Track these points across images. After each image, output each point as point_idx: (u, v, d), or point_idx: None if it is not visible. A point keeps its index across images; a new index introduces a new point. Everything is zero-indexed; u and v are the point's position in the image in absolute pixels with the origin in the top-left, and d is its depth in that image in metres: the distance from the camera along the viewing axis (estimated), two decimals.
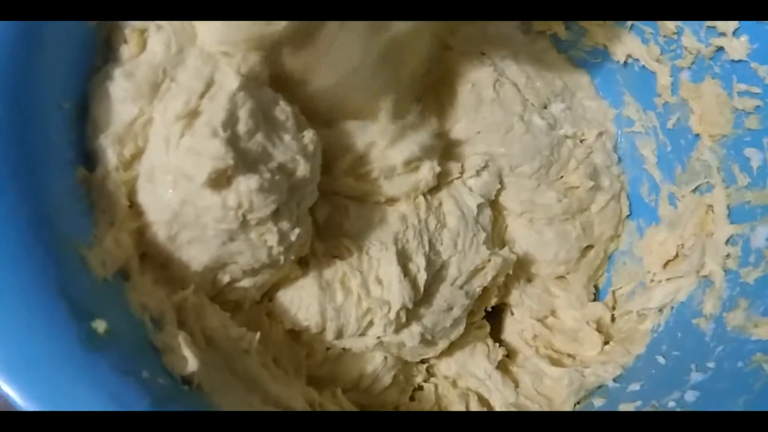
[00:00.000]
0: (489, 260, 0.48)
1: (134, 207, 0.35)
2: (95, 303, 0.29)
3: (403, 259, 0.44)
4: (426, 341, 0.45)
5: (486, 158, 0.51)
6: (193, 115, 0.34)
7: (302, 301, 0.41)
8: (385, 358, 0.44)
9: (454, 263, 0.47)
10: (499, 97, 0.52)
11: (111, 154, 0.33)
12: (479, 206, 0.49)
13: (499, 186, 0.52)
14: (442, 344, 0.46)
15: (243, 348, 0.36)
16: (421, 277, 0.44)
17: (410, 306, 0.43)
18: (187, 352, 0.30)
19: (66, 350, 0.26)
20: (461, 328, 0.47)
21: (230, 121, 0.35)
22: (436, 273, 0.46)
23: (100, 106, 0.34)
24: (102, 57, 0.35)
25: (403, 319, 0.43)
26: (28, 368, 0.26)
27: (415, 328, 0.44)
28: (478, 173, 0.50)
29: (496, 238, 0.52)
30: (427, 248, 0.45)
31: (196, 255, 0.36)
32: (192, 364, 0.30)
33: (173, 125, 0.34)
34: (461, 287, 0.46)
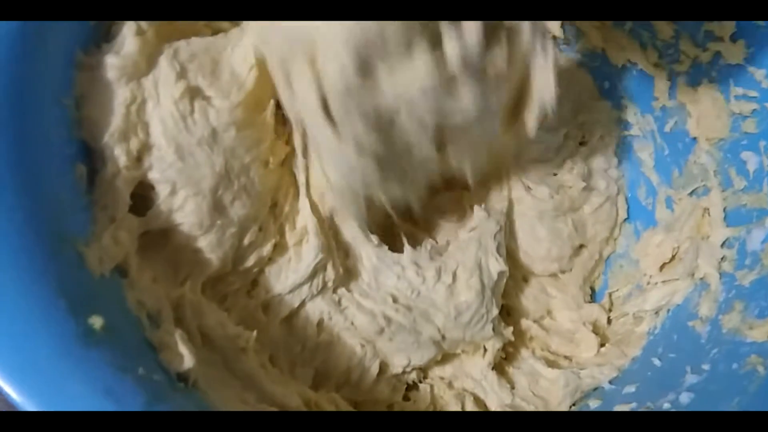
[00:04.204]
0: (490, 340, 0.47)
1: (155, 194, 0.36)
2: (92, 299, 0.29)
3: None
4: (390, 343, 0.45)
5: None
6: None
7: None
8: (362, 346, 0.44)
9: (453, 335, 0.45)
10: None
11: (119, 152, 0.34)
12: (500, 274, 0.47)
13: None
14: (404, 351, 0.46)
15: (240, 346, 0.36)
16: (393, 330, 0.44)
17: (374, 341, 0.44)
18: (183, 350, 0.31)
19: (63, 346, 0.27)
20: (431, 354, 0.46)
21: None
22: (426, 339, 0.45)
23: (95, 100, 0.34)
24: (99, 52, 0.35)
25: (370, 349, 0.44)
26: (25, 363, 0.26)
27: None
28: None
29: None
30: (413, 316, 0.45)
31: (240, 205, 0.39)
32: (188, 361, 0.30)
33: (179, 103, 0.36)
34: (441, 333, 0.46)
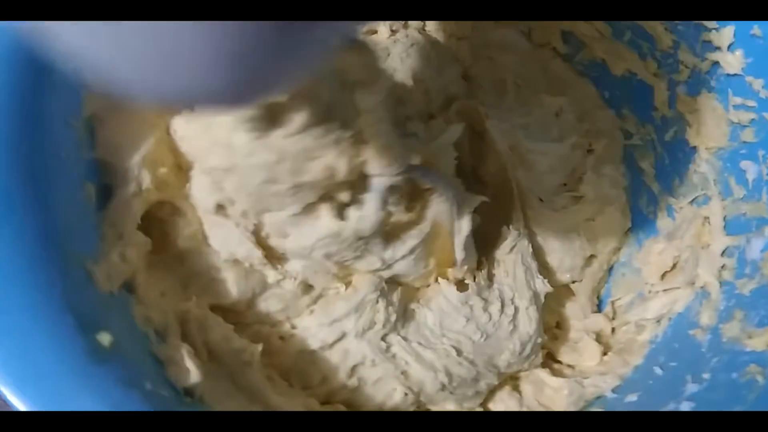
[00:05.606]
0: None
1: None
2: (101, 316, 0.30)
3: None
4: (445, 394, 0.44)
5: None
6: None
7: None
8: (406, 394, 0.42)
9: (513, 369, 0.45)
10: (517, 97, 0.53)
11: (144, 174, 0.34)
12: (546, 295, 0.47)
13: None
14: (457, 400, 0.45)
15: (245, 360, 0.37)
16: (455, 386, 0.43)
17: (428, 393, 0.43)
18: (189, 365, 0.31)
19: (72, 362, 0.27)
20: (482, 398, 0.46)
21: None
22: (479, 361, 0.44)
23: (116, 123, 0.34)
24: None
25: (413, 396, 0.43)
26: (34, 379, 0.27)
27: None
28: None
29: None
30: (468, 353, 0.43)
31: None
32: (194, 376, 0.31)
33: None
34: (498, 372, 0.45)
